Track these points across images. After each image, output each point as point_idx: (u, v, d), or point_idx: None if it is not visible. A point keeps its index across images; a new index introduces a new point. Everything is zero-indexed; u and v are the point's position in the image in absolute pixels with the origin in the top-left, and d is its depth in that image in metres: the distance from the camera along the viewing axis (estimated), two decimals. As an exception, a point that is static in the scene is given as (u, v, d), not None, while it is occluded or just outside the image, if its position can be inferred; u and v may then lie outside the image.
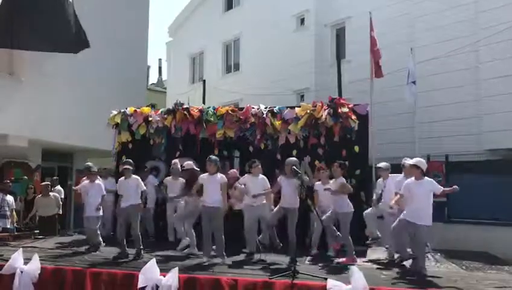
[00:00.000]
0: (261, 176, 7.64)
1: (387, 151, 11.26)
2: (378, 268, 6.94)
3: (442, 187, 6.48)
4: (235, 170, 9.06)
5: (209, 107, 10.06)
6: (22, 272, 6.16)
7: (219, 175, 7.23)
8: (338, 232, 7.54)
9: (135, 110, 10.39)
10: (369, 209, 7.98)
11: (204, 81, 18.32)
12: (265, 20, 18.31)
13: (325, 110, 9.07)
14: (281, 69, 17.26)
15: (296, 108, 9.51)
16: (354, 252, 7.27)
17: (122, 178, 7.78)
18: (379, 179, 7.96)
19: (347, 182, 7.57)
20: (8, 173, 12.54)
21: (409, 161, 6.96)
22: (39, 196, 10.67)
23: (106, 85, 14.35)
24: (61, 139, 13.25)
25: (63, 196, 11.61)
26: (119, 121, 10.35)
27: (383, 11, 14.19)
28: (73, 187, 10.10)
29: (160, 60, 34.14)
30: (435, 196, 6.47)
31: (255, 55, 18.74)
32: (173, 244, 8.46)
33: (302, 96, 16.64)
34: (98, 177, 8.65)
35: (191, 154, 9.45)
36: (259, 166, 7.68)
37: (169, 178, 9.08)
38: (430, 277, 6.19)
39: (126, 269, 6.38)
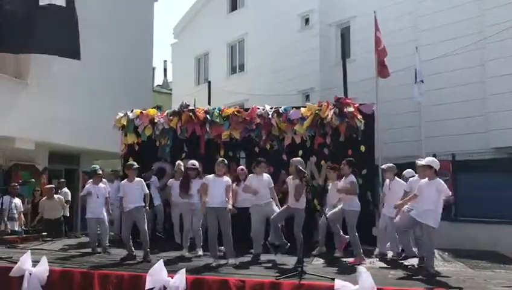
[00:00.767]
0: (265, 175, 7.68)
1: (394, 150, 11.24)
2: (382, 267, 6.93)
3: (450, 192, 6.44)
4: (243, 167, 9.07)
5: (215, 108, 10.08)
6: (30, 274, 6.20)
7: (225, 177, 7.26)
8: (342, 233, 7.56)
9: (141, 112, 10.41)
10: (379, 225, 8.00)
11: (209, 82, 18.34)
12: (269, 20, 18.32)
13: (330, 110, 9.06)
14: (285, 69, 17.27)
15: (302, 108, 9.51)
16: (361, 252, 7.27)
17: (126, 180, 7.79)
18: (386, 180, 7.96)
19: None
20: (15, 175, 12.62)
21: (421, 161, 6.95)
22: (44, 198, 10.73)
23: (112, 87, 14.43)
24: (67, 141, 13.32)
25: (69, 198, 11.69)
26: (125, 123, 10.38)
27: (388, 10, 14.15)
28: (80, 194, 10.10)
29: (165, 61, 34.24)
30: None
31: (259, 56, 18.74)
32: (180, 245, 8.47)
33: (308, 96, 16.63)
34: (104, 179, 8.70)
35: (197, 156, 9.46)
36: (264, 165, 7.70)
37: (172, 179, 9.10)
38: (438, 277, 6.17)
39: (134, 270, 6.40)
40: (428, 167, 6.51)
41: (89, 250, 8.19)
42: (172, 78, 26.51)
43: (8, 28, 10.68)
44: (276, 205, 7.72)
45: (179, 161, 9.25)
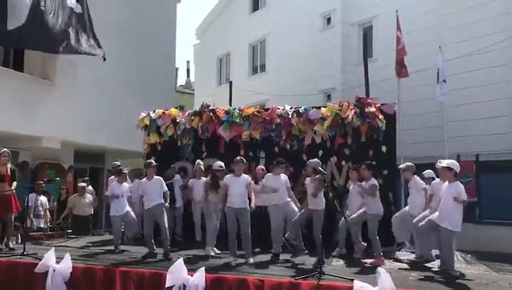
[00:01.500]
0: (282, 175, 7.67)
1: (416, 150, 11.10)
2: (402, 269, 6.86)
3: (466, 197, 6.34)
4: (262, 167, 9.10)
5: (235, 109, 10.13)
6: (54, 270, 6.33)
7: (244, 176, 7.31)
8: (361, 241, 7.54)
9: (163, 112, 10.55)
10: (397, 213, 7.93)
11: (230, 82, 18.42)
12: (291, 20, 18.28)
13: (351, 110, 9.00)
14: (307, 69, 17.20)
15: (322, 108, 9.46)
16: (382, 253, 7.22)
17: (145, 179, 7.86)
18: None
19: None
20: (41, 174, 12.92)
21: (441, 163, 6.87)
22: (76, 195, 10.95)
23: (135, 87, 14.62)
24: (92, 140, 13.58)
25: (94, 196, 11.91)
26: (147, 122, 10.54)
27: (410, 9, 14.00)
28: (105, 193, 10.27)
29: (188, 62, 34.56)
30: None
31: (281, 56, 18.73)
32: (201, 243, 8.55)
33: (329, 96, 16.57)
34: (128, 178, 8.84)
35: (217, 155, 9.54)
36: (283, 166, 7.72)
37: (193, 179, 9.18)
38: (460, 279, 6.10)
39: (154, 268, 6.49)
40: (448, 169, 6.45)
41: (112, 247, 8.33)
42: (195, 79, 26.71)
43: (42, 29, 11.15)
44: (296, 205, 7.74)
45: (198, 160, 9.34)
